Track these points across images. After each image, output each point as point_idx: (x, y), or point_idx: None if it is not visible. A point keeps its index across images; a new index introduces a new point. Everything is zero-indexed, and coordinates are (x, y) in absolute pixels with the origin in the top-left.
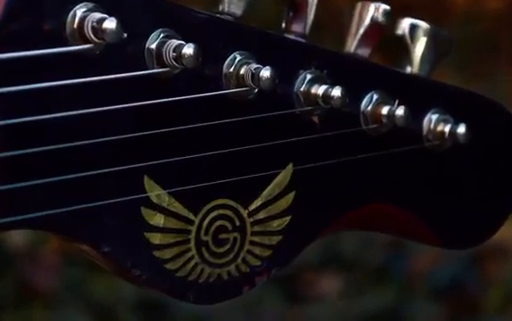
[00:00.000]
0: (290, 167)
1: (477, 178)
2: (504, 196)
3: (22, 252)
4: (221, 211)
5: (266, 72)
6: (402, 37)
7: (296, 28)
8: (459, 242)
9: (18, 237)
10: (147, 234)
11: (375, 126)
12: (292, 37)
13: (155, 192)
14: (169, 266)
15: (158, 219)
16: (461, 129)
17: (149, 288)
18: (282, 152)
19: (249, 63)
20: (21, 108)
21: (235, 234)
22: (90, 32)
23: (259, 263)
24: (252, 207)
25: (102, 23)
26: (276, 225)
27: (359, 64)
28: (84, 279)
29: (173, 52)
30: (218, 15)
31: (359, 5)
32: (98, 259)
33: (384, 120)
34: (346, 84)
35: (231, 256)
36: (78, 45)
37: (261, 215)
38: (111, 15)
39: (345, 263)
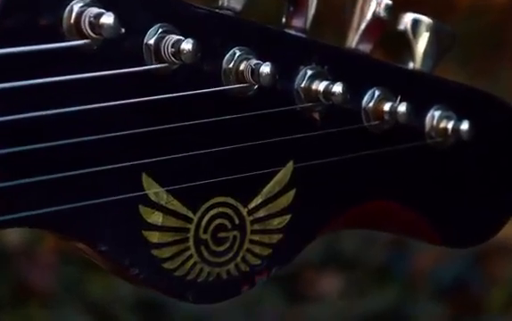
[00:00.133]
0: (290, 164)
1: (480, 176)
2: (508, 194)
3: (18, 251)
4: (220, 209)
5: (266, 68)
6: (404, 33)
7: (297, 23)
8: (462, 241)
9: (14, 235)
10: (145, 233)
11: (376, 122)
12: (292, 32)
13: (153, 189)
14: (167, 265)
15: (156, 217)
16: (464, 126)
17: (147, 287)
18: (282, 149)
19: (249, 59)
20: (17, 105)
21: (235, 233)
22: (87, 27)
23: (258, 262)
24: (252, 205)
25: (99, 18)
26: (276, 223)
27: (360, 60)
28: (81, 278)
29: (171, 47)
30: (217, 10)
31: (360, 0)
32: (95, 258)
33: (386, 117)
34: (347, 80)
35: (230, 255)
36: (75, 40)
37: (261, 213)
38: (108, 10)
39: (346, 262)
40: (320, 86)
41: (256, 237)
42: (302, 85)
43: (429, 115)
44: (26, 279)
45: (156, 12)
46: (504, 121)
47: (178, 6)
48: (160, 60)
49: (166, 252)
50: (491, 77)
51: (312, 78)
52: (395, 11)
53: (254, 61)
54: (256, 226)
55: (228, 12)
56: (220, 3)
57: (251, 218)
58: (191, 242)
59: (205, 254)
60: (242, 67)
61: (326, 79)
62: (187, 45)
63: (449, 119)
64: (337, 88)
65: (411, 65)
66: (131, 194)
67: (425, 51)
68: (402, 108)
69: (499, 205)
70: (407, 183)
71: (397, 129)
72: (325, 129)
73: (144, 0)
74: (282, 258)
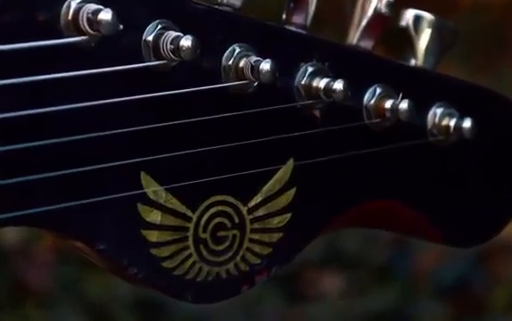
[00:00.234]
0: (291, 162)
1: (483, 174)
2: (510, 192)
3: (15, 250)
4: (220, 208)
5: (266, 65)
6: (406, 29)
7: (297, 19)
8: (465, 240)
9: (11, 234)
10: (144, 232)
11: (378, 120)
12: (292, 28)
13: (152, 188)
14: (166, 264)
15: (155, 216)
16: (467, 124)
17: (145, 287)
18: (282, 147)
19: (248, 56)
20: (14, 102)
21: (234, 232)
22: (85, 24)
23: (258, 261)
24: (252, 203)
25: (97, 14)
26: (276, 222)
27: (361, 57)
28: (78, 277)
29: (170, 44)
30: (216, 6)
31: None
32: (93, 257)
33: (388, 114)
34: (348, 77)
35: (230, 254)
36: (72, 36)
37: (261, 212)
38: (106, 6)
39: (347, 261)
40: (321, 83)
41: (256, 236)
42: (303, 82)
43: (431, 112)
44: (23, 278)
45: (155, 9)
46: (507, 119)
47: (177, 2)
48: (158, 56)
49: (165, 251)
50: (494, 74)
51: (313, 75)
52: (397, 7)
53: (254, 58)
54: (256, 225)
55: (228, 9)
56: None
57: (250, 216)
58: (190, 241)
59: (204, 253)
60: (241, 64)
61: (327, 76)
62: (186, 41)
63: (451, 116)
64: (338, 85)
65: (413, 62)
66: (130, 193)
67: (426, 48)
68: (404, 105)
69: (501, 204)
70: (408, 181)
71: (399, 127)
72: (325, 127)
73: None
74: (282, 257)
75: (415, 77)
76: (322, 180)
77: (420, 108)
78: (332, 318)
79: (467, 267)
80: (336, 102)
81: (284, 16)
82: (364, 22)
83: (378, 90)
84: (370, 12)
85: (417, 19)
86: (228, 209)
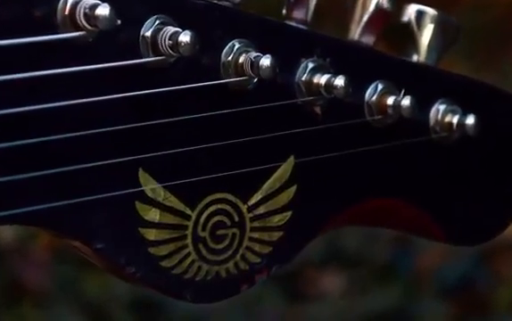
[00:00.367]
0: (291, 159)
1: (486, 172)
2: None
3: (11, 249)
4: (219, 206)
5: (266, 61)
6: (408, 25)
7: (298, 14)
8: (468, 238)
9: (7, 233)
10: (142, 230)
11: (379, 117)
12: (293, 23)
13: (150, 185)
14: (164, 263)
15: (153, 214)
16: (470, 120)
17: (143, 286)
18: (283, 144)
19: (248, 51)
20: (9, 98)
21: (234, 230)
22: (82, 19)
23: (258, 260)
24: (252, 201)
25: (94, 10)
26: (276, 220)
27: (363, 52)
28: (76, 277)
29: (169, 39)
30: (216, 1)
31: None
32: (90, 256)
33: (390, 111)
34: (350, 73)
35: (229, 253)
36: (69, 32)
37: (261, 210)
38: (103, 1)
39: (349, 260)
40: (322, 79)
41: (256, 235)
42: (303, 78)
43: (434, 109)
44: (19, 277)
45: (153, 4)
46: (510, 116)
47: None
48: (157, 52)
49: (163, 250)
50: (498, 70)
51: (314, 71)
52: (399, 2)
53: (254, 54)
54: (256, 224)
55: (227, 4)
56: None
57: (250, 214)
58: (189, 240)
59: (204, 252)
60: (241, 59)
61: (328, 72)
62: (185, 37)
63: (454, 113)
64: (339, 81)
65: (415, 58)
66: (127, 191)
67: (429, 43)
68: (406, 102)
69: (505, 202)
70: (411, 179)
71: (401, 124)
72: (326, 124)
73: None
74: (282, 256)
75: (417, 73)
76: (323, 178)
77: (422, 104)
78: (333, 318)
79: (471, 265)
80: (337, 99)
81: (284, 11)
82: (365, 18)
83: (380, 86)
84: (372, 7)
85: (420, 14)
86: (228, 208)
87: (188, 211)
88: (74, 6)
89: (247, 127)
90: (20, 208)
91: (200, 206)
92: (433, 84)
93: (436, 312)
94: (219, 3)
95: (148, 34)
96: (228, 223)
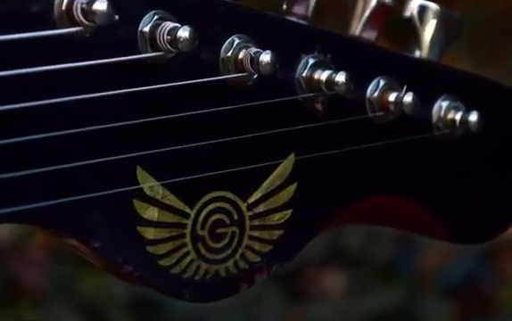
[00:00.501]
0: (291, 157)
1: (490, 169)
2: None
3: (8, 247)
4: (218, 204)
5: (266, 57)
6: (411, 20)
7: (298, 9)
8: (471, 237)
9: (3, 231)
10: (140, 229)
11: (381, 113)
12: (293, 19)
13: (148, 183)
14: (163, 262)
15: (151, 213)
16: (473, 117)
17: (142, 285)
18: (283, 141)
19: (248, 47)
20: (5, 95)
21: (234, 229)
22: (79, 14)
23: (258, 259)
24: (252, 199)
25: (92, 5)
26: (276, 218)
27: (364, 48)
28: (73, 276)
29: (167, 35)
30: None
31: None
32: (88, 255)
33: (392, 108)
34: (351, 69)
35: (229, 252)
36: (66, 27)
37: (261, 208)
38: None
39: (350, 259)
40: (323, 75)
41: (255, 233)
42: (304, 74)
43: (436, 106)
44: (16, 277)
45: None
46: None
47: None
48: (155, 48)
49: (162, 249)
50: (501, 66)
51: (314, 67)
52: None
53: (254, 50)
54: (256, 222)
55: None
56: None
57: (250, 213)
58: (188, 239)
59: (203, 251)
60: (241, 55)
61: (329, 68)
62: (184, 32)
63: (457, 109)
64: (340, 78)
65: (418, 53)
66: (125, 189)
67: (431, 39)
68: (408, 98)
69: (508, 199)
70: (413, 176)
71: (403, 120)
72: (327, 120)
73: None
74: (282, 255)
75: (419, 69)
76: (324, 175)
77: (425, 101)
78: (334, 318)
79: (475, 265)
80: (338, 95)
81: (284, 6)
82: (367, 13)
83: (382, 82)
84: (373, 1)
85: (422, 9)
86: (227, 206)
87: (187, 209)
88: (71, 1)
89: (247, 123)
90: (16, 206)
91: (199, 204)
92: (436, 80)
93: (439, 312)
94: None
95: (146, 29)
96: (228, 221)
